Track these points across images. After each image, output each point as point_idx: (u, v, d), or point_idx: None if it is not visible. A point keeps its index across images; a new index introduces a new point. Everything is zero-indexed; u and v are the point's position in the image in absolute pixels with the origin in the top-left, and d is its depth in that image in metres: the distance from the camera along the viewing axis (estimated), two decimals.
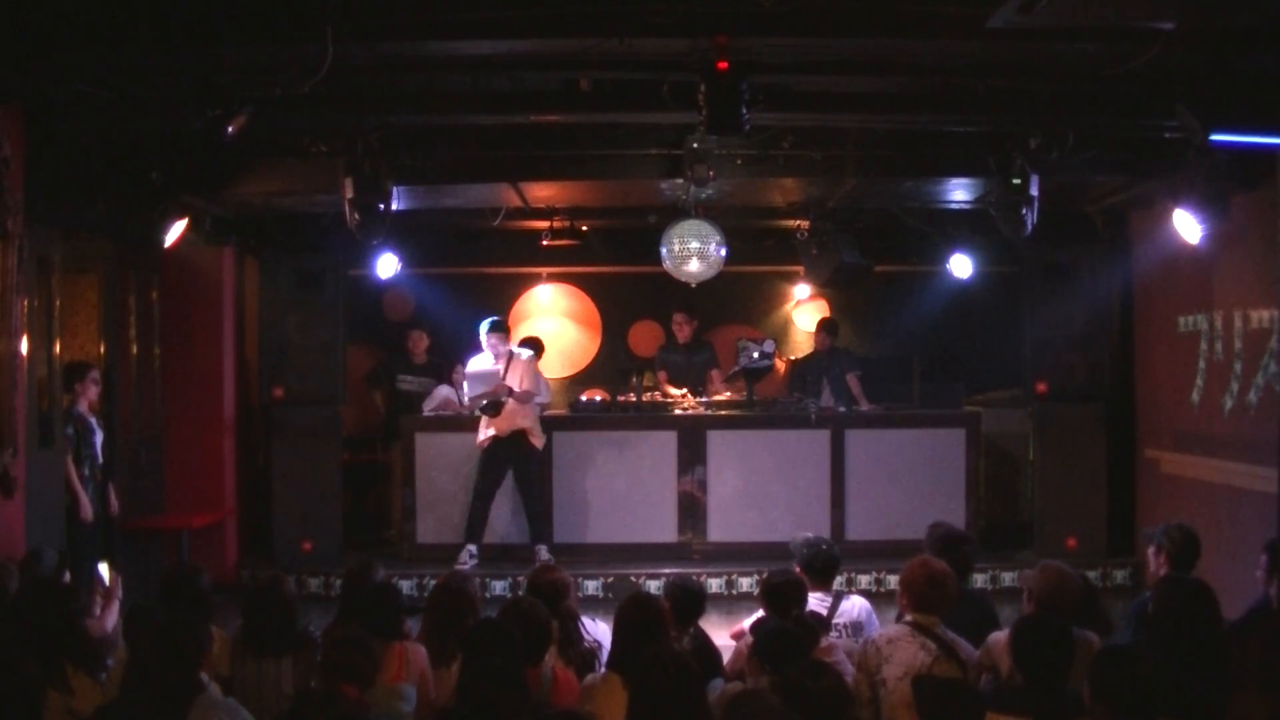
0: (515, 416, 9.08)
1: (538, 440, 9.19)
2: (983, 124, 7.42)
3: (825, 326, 10.71)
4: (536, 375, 9.32)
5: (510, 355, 9.19)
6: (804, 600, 5.24)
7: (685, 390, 10.21)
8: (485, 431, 9.13)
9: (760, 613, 5.51)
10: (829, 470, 9.61)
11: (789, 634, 4.41)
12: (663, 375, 10.55)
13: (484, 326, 9.22)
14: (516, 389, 9.03)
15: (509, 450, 9.13)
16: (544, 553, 9.08)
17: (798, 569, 5.64)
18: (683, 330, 10.58)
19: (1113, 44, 5.58)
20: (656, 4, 5.40)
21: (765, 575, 5.49)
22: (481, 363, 9.18)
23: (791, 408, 9.97)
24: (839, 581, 6.00)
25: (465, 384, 9.27)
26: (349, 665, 4.02)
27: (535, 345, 9.23)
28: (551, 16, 5.54)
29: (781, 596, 5.10)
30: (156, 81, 6.35)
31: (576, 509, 9.51)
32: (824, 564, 5.68)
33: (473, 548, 9.14)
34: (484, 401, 9.02)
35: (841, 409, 10.00)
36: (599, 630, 5.34)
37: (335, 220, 8.55)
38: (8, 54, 5.59)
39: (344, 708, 3.43)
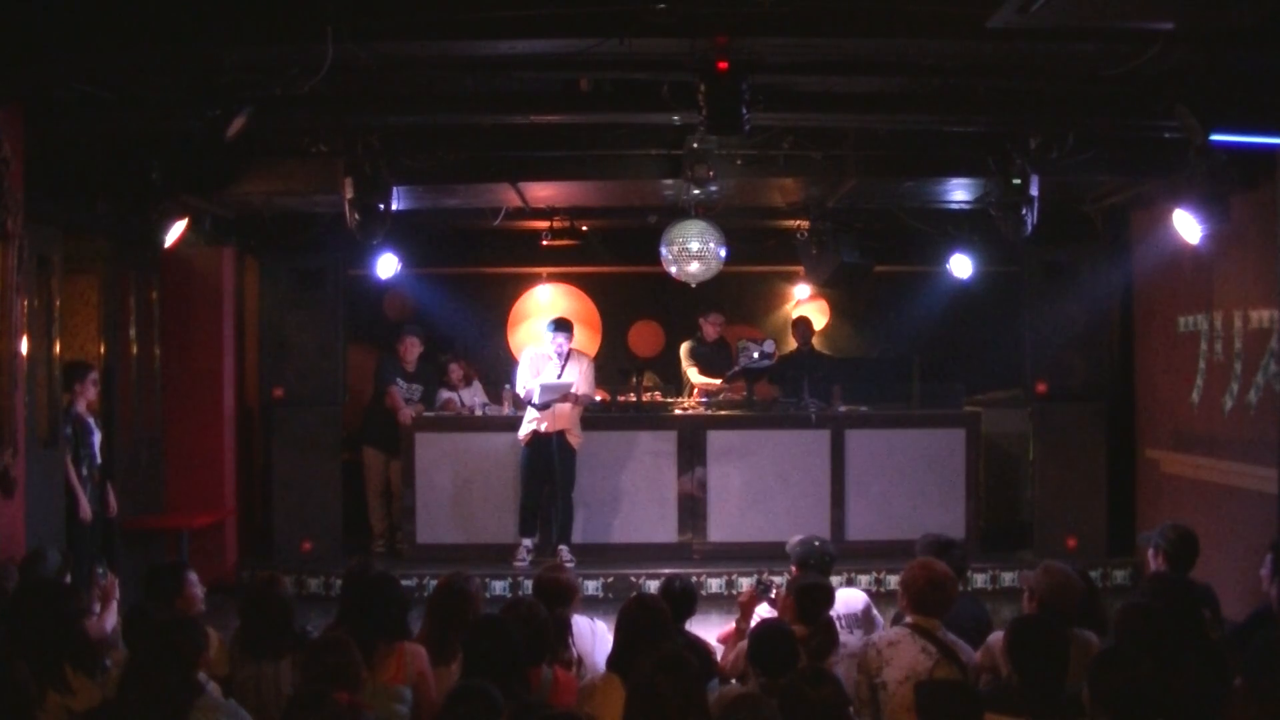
0: (563, 416, 9.12)
1: (575, 439, 9.20)
2: (983, 124, 7.41)
3: (798, 325, 10.85)
4: (593, 380, 9.38)
5: (569, 355, 9.22)
6: (830, 604, 5.23)
7: (719, 380, 10.25)
8: (528, 426, 9.15)
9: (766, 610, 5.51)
10: (829, 470, 9.62)
11: (783, 637, 4.40)
12: (696, 369, 10.54)
13: (550, 325, 9.33)
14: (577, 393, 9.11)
15: (552, 447, 9.13)
16: (566, 553, 9.11)
17: (794, 569, 5.65)
18: (719, 329, 10.64)
19: (1113, 44, 5.57)
20: (656, 4, 5.39)
21: (791, 577, 5.48)
22: (544, 366, 9.15)
23: (791, 408, 9.96)
24: (836, 582, 5.99)
25: (537, 389, 9.06)
26: (331, 669, 3.98)
27: (566, 327, 9.18)
28: (551, 16, 5.53)
29: (811, 600, 5.09)
30: (156, 81, 6.35)
31: (577, 509, 9.47)
32: (818, 561, 5.68)
33: (528, 542, 9.23)
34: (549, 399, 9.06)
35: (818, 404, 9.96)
36: (599, 630, 5.34)
37: (335, 220, 8.55)
38: (8, 54, 5.59)
39: (333, 711, 3.41)
